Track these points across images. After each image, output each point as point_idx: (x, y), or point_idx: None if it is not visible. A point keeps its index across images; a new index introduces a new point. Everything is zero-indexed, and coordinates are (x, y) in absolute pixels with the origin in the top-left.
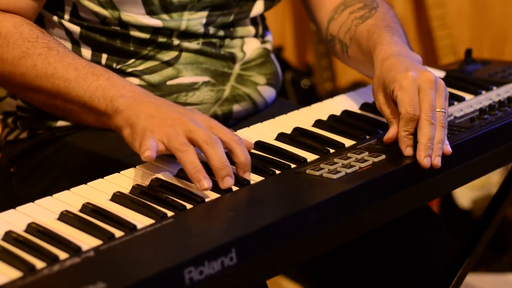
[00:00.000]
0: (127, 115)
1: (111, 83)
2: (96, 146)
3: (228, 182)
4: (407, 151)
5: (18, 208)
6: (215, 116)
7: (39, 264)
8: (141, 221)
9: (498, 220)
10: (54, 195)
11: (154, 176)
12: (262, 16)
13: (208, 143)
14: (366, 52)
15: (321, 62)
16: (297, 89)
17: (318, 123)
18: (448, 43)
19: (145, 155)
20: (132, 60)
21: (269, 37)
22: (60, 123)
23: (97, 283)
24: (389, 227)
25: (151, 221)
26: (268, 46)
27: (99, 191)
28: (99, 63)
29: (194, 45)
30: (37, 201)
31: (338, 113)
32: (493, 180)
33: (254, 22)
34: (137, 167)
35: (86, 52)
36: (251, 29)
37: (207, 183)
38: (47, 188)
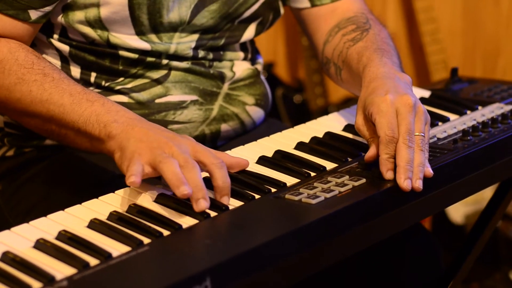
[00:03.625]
0: (119, 140)
1: (105, 109)
2: (81, 167)
3: (201, 204)
4: (388, 174)
5: None
6: (203, 136)
7: None
8: (117, 248)
9: (488, 235)
10: (30, 222)
11: (133, 202)
12: (252, 41)
13: (184, 167)
14: (355, 75)
15: (312, 78)
16: (288, 105)
17: (300, 146)
18: (440, 58)
19: (130, 181)
20: (121, 79)
21: (259, 60)
22: (48, 141)
23: None
24: (378, 245)
25: (128, 248)
26: (258, 67)
27: (77, 218)
28: (88, 81)
29: (183, 64)
30: (13, 229)
31: (321, 134)
32: (485, 195)
33: (243, 47)
34: (115, 192)
35: (75, 70)
36: (240, 54)
37: (187, 189)
38: (32, 207)
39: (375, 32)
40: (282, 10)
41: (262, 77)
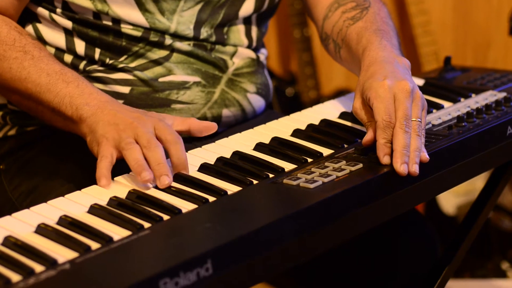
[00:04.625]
0: (89, 123)
1: (79, 91)
2: (83, 146)
3: (163, 180)
4: (385, 159)
5: None
6: (204, 119)
7: (14, 277)
8: (118, 233)
9: (479, 225)
10: (31, 208)
11: (132, 188)
12: (259, 28)
13: (147, 147)
14: (355, 55)
15: (305, 71)
16: (281, 97)
17: (296, 133)
18: (431, 50)
19: (101, 184)
20: (124, 57)
21: (263, 51)
22: None
23: None
24: (375, 230)
25: (128, 232)
26: (261, 57)
27: (77, 203)
28: (92, 57)
29: (185, 45)
30: (14, 214)
31: (316, 122)
32: (477, 186)
33: (247, 30)
34: (115, 178)
35: (80, 44)
36: (243, 38)
37: (148, 174)
38: (32, 189)
39: (375, 11)
40: None
41: (265, 70)
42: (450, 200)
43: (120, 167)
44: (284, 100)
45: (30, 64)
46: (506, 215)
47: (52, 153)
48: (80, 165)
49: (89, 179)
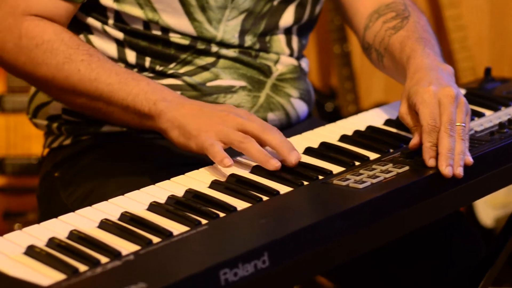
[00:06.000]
0: (171, 117)
1: (151, 87)
2: (137, 153)
3: (294, 155)
4: (430, 162)
5: (59, 217)
6: None
7: (82, 267)
8: (176, 228)
9: None
10: (93, 206)
11: (188, 188)
12: (299, 41)
13: (263, 131)
14: (399, 64)
15: (344, 85)
16: (321, 111)
17: (343, 138)
18: (469, 65)
19: (227, 165)
20: (173, 64)
21: (304, 60)
22: (104, 128)
23: (138, 283)
24: (421, 230)
25: (186, 228)
26: (303, 64)
27: (136, 202)
28: (143, 65)
29: (231, 52)
30: (77, 211)
31: (363, 128)
32: None
33: (288, 41)
34: (171, 179)
35: (131, 55)
36: (284, 47)
37: (276, 161)
38: (88, 193)
39: (415, 20)
40: None
41: (307, 77)
42: (488, 213)
43: (176, 169)
44: (324, 114)
45: (98, 65)
46: None
47: (107, 159)
48: (134, 171)
49: (143, 184)
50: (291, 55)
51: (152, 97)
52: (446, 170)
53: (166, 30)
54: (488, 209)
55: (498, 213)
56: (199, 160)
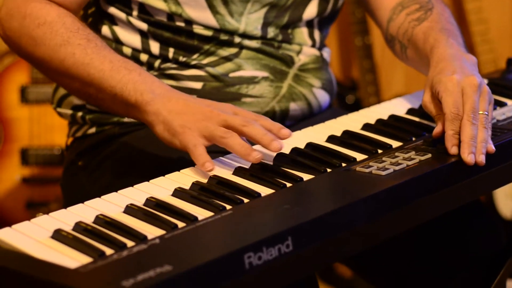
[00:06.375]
0: (157, 111)
1: (142, 78)
2: (159, 143)
3: (276, 144)
4: (453, 149)
5: (85, 202)
6: (273, 112)
7: (108, 251)
8: (201, 213)
9: None
10: (118, 191)
11: (213, 174)
12: (320, 32)
13: (245, 125)
14: (422, 54)
15: (365, 77)
16: (342, 104)
17: (366, 127)
18: (490, 58)
19: (208, 169)
20: (196, 55)
21: (326, 49)
22: (127, 118)
23: (163, 266)
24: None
25: (211, 213)
26: (325, 54)
27: (161, 187)
28: (166, 56)
29: (254, 43)
30: (103, 196)
31: (385, 117)
32: None
33: (310, 32)
34: (195, 166)
35: (155, 45)
36: (307, 39)
37: (257, 153)
38: (111, 182)
39: (439, 12)
40: None
41: (329, 67)
42: (508, 204)
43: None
44: (345, 106)
45: (94, 51)
46: None
47: (130, 148)
48: (158, 158)
49: (168, 171)
50: (313, 45)
51: (140, 87)
52: (468, 157)
53: (189, 22)
54: (508, 200)
55: None
56: (222, 148)
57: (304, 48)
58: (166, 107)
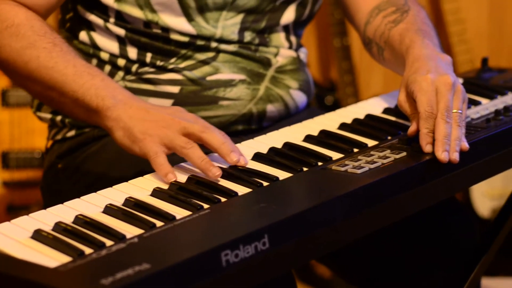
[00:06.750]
0: (117, 117)
1: (104, 84)
2: None
3: (235, 155)
4: (427, 147)
5: (65, 203)
6: (250, 114)
7: (87, 250)
8: (179, 213)
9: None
10: (98, 192)
11: (191, 174)
12: (296, 33)
13: (204, 131)
14: (399, 55)
15: (344, 78)
16: (321, 105)
17: (343, 126)
18: (467, 58)
19: (170, 180)
20: (174, 59)
21: (303, 50)
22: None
23: (142, 264)
24: (415, 217)
25: (189, 212)
26: (301, 55)
27: (140, 188)
28: (144, 61)
29: (231, 47)
30: (82, 197)
31: (361, 117)
32: None
33: (287, 36)
34: (174, 166)
35: (132, 51)
36: (283, 41)
37: (217, 170)
38: (91, 184)
39: (414, 13)
40: None
41: (306, 68)
42: (485, 204)
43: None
44: (324, 108)
45: (59, 55)
46: None
47: (110, 150)
48: (136, 160)
49: (146, 172)
50: (290, 47)
51: (102, 93)
52: (442, 155)
53: (165, 29)
54: (485, 199)
55: (495, 204)
56: (202, 148)
57: (281, 50)
58: (127, 113)
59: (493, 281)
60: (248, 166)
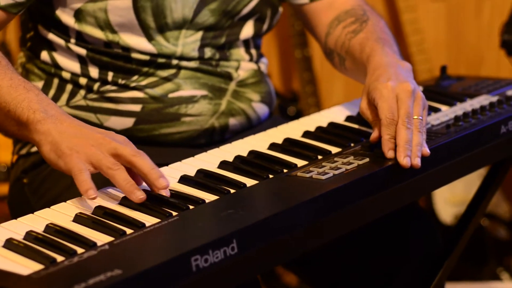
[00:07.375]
0: (47, 131)
1: (38, 98)
2: None
3: (163, 181)
4: (389, 153)
5: (35, 212)
6: (212, 128)
7: (59, 258)
8: (148, 220)
9: (474, 226)
10: (67, 201)
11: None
12: (256, 45)
13: (135, 155)
14: (360, 64)
15: (306, 89)
16: (284, 115)
17: (306, 134)
18: (426, 68)
19: (91, 196)
20: (135, 77)
21: (263, 60)
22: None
23: (114, 270)
24: (379, 224)
25: (158, 220)
26: (262, 67)
27: (109, 197)
28: (106, 80)
29: (191, 64)
30: (52, 207)
31: (324, 125)
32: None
33: (247, 49)
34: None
35: (94, 70)
36: (244, 55)
37: (141, 193)
38: (56, 197)
39: (374, 23)
40: (280, 8)
41: (267, 78)
42: (447, 210)
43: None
44: (286, 118)
45: None
46: (501, 224)
47: None
48: (100, 175)
49: (112, 184)
50: (250, 60)
51: (34, 106)
52: (404, 161)
53: (126, 49)
54: (447, 206)
55: (457, 210)
56: (171, 159)
57: (242, 63)
58: (58, 129)
59: (456, 286)
60: (215, 173)
